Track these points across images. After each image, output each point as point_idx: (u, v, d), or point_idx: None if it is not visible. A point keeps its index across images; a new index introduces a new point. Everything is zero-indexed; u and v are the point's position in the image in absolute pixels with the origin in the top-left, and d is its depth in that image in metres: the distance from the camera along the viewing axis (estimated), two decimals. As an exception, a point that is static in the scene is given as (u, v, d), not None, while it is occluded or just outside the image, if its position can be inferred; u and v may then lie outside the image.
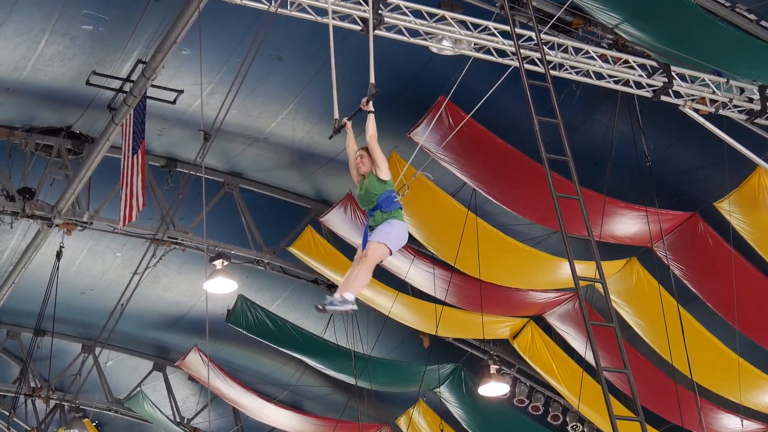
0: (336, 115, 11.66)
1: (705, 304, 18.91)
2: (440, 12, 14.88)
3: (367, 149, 11.23)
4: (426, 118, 16.85)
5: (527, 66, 14.13)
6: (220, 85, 17.53)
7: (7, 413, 26.73)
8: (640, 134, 17.09)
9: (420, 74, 17.41)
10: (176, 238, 20.80)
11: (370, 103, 11.24)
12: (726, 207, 17.29)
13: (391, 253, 11.17)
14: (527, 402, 23.57)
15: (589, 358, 20.05)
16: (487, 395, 23.15)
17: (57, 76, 17.94)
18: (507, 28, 14.46)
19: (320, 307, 10.99)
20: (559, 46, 15.28)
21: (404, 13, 14.68)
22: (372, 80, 11.42)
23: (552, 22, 15.02)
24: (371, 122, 11.20)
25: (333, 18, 14.05)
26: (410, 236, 19.15)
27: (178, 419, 27.44)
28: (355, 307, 10.99)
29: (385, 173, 11.14)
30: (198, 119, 17.79)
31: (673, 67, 15.69)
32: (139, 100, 16.92)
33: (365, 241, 11.21)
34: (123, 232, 20.46)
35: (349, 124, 11.52)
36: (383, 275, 20.68)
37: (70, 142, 19.75)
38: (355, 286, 11.03)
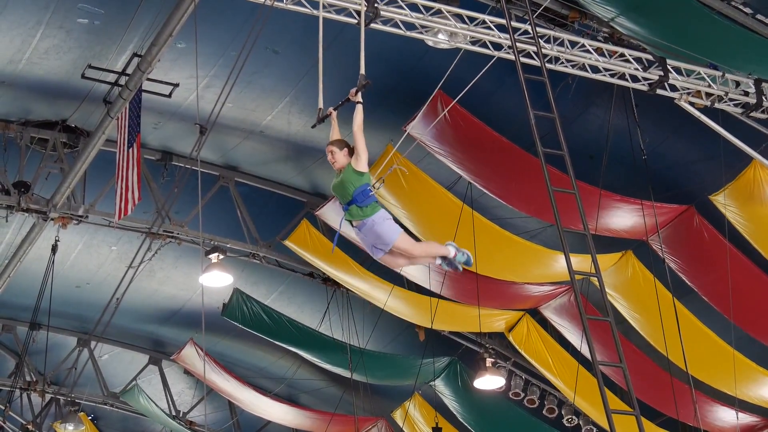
0: (320, 104, 11.63)
1: (700, 297, 18.93)
2: (436, 5, 14.86)
3: (336, 144, 11.16)
4: (421, 111, 16.85)
5: (523, 59, 14.14)
6: (215, 79, 17.51)
7: (3, 407, 26.74)
8: (635, 128, 17.10)
9: (416, 67, 17.41)
10: (172, 232, 20.80)
11: (359, 93, 11.17)
12: (721, 200, 17.30)
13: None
14: (523, 395, 23.58)
15: (585, 351, 20.07)
16: (482, 388, 23.16)
17: (52, 69, 17.92)
18: (503, 21, 14.47)
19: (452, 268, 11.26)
20: (555, 39, 15.29)
21: (400, 7, 14.67)
22: (362, 71, 11.37)
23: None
24: (359, 113, 11.11)
25: (328, 11, 14.08)
26: (406, 229, 19.29)
27: (173, 413, 27.46)
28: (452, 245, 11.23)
29: (363, 165, 10.98)
30: (193, 113, 17.77)
31: (668, 61, 15.69)
32: (135, 94, 16.90)
33: (337, 237, 11.40)
34: (118, 225, 20.44)
35: (334, 114, 11.44)
36: (379, 268, 20.69)
37: (65, 135, 19.72)
38: (434, 249, 11.28)
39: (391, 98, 17.49)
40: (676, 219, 18.20)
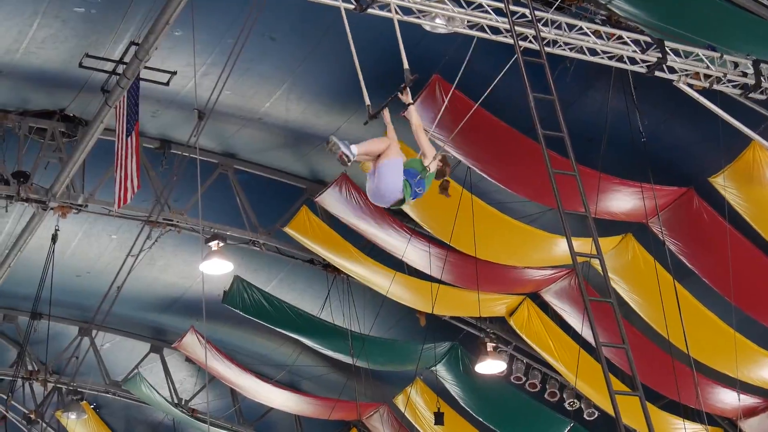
0: (367, 102, 11.54)
1: (701, 279, 18.93)
2: (433, -11, 14.81)
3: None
4: (419, 96, 16.81)
5: (521, 43, 14.09)
6: (213, 66, 17.48)
7: (5, 397, 26.76)
8: (634, 110, 17.08)
9: (413, 53, 17.27)
10: (171, 220, 20.78)
11: (409, 94, 11.22)
12: (721, 182, 17.28)
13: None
14: (524, 379, 23.61)
15: (586, 334, 20.08)
16: (484, 373, 23.18)
17: (50, 58, 17.89)
18: (501, 5, 14.43)
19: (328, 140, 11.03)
20: (553, 22, 15.24)
21: (397, -9, 14.61)
22: (406, 66, 11.35)
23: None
24: (414, 114, 11.26)
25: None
26: (406, 215, 19.31)
27: (175, 401, 27.48)
28: (351, 155, 10.91)
29: (431, 163, 11.26)
30: (191, 100, 17.75)
31: (666, 43, 15.64)
32: (133, 82, 16.88)
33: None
34: (118, 214, 20.44)
35: (386, 112, 11.46)
36: (379, 254, 20.71)
37: (63, 125, 19.69)
38: (363, 145, 11.08)
39: (388, 84, 17.40)
40: (676, 201, 18.19)
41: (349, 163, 10.98)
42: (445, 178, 11.75)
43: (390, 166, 11.15)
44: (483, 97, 14.63)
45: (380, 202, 11.42)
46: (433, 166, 11.24)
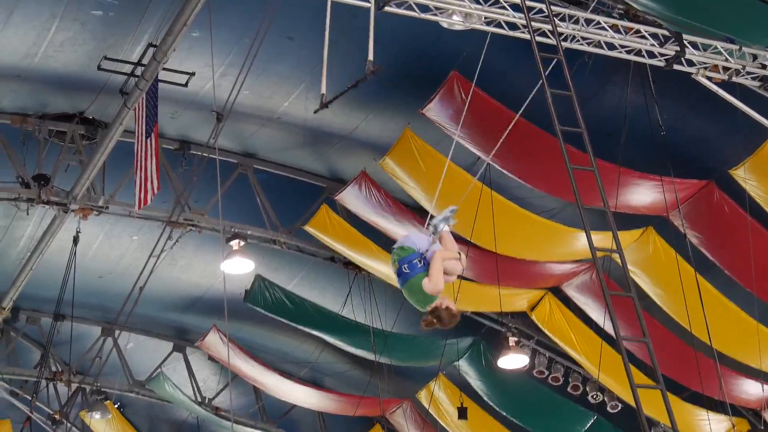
0: (323, 90, 11.56)
1: (722, 271, 18.90)
2: (450, -14, 14.81)
3: None
4: (438, 93, 16.82)
5: (538, 38, 14.08)
6: (231, 67, 17.51)
7: (30, 398, 26.87)
8: (653, 104, 17.03)
9: (431, 50, 17.36)
10: (192, 220, 20.84)
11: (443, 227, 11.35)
12: (741, 174, 17.23)
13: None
14: (547, 373, 23.61)
15: (608, 327, 20.06)
16: (506, 368, 23.20)
17: (68, 61, 17.96)
18: (517, 0, 14.42)
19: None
20: (570, 17, 15.22)
21: (414, -11, 14.62)
22: (371, 56, 11.27)
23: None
24: (445, 237, 11.44)
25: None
26: (426, 211, 19.32)
27: (199, 399, 27.56)
28: (437, 227, 11.30)
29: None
30: (210, 101, 17.79)
31: (684, 36, 15.60)
32: (151, 84, 16.92)
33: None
34: (139, 215, 20.50)
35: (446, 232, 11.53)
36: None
37: (83, 127, 19.80)
38: (449, 237, 11.45)
39: (407, 81, 17.46)
40: (697, 194, 18.16)
41: (429, 227, 11.34)
42: (434, 317, 11.63)
43: (426, 238, 11.40)
44: (522, 109, 14.56)
45: (401, 236, 11.68)
46: (431, 286, 11.35)
